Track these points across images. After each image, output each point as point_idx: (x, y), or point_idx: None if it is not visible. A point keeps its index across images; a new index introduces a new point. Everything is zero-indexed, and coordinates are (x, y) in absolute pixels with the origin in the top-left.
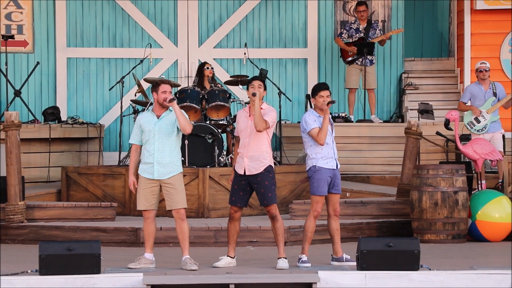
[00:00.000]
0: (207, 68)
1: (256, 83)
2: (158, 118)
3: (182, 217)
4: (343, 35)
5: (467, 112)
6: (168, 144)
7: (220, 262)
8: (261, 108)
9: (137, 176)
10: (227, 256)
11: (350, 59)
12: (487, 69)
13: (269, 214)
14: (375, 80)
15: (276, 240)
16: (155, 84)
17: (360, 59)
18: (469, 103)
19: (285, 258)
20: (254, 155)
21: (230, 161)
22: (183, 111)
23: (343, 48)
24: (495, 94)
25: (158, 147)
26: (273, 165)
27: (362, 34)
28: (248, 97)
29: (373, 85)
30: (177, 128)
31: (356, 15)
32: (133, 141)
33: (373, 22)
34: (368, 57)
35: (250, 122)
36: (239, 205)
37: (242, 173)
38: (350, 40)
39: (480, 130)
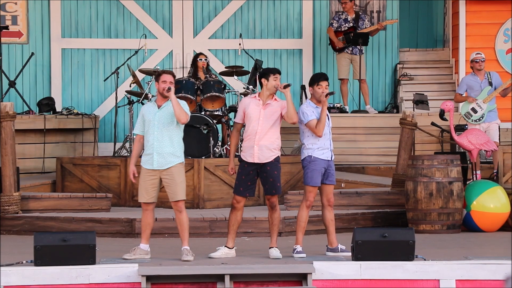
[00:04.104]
0: (200, 60)
1: (279, 76)
2: (158, 108)
3: (180, 209)
4: (333, 25)
5: (464, 103)
6: (167, 134)
7: (216, 253)
8: (276, 100)
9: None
10: (225, 246)
11: (339, 47)
12: (483, 60)
13: (270, 202)
14: (364, 70)
15: (270, 230)
16: (157, 74)
17: (350, 48)
18: (465, 95)
19: (277, 248)
20: (266, 144)
21: (225, 151)
22: (184, 101)
23: (331, 39)
24: (490, 84)
25: (157, 137)
26: (280, 156)
27: (351, 24)
28: (277, 88)
29: (362, 75)
30: None
31: (341, 6)
32: (136, 131)
33: (360, 13)
34: (357, 46)
35: (263, 111)
36: (248, 195)
37: (252, 161)
38: (340, 30)
39: (477, 120)
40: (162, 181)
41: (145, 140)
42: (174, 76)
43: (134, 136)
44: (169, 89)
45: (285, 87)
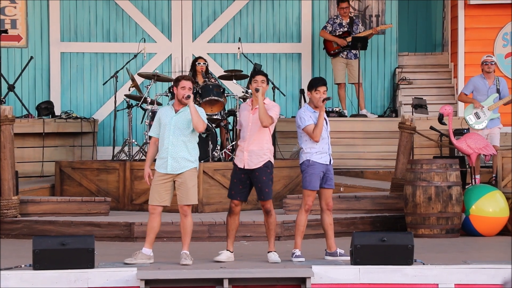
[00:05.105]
0: (199, 64)
1: (260, 78)
2: (175, 113)
3: (186, 213)
4: (327, 28)
5: (468, 106)
6: (182, 139)
7: (222, 256)
8: (264, 103)
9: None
10: (227, 250)
11: (334, 51)
12: (492, 63)
13: (264, 208)
14: (360, 74)
15: (268, 235)
16: (176, 80)
17: (345, 53)
18: (470, 96)
19: (276, 252)
20: (254, 150)
21: (224, 155)
22: (201, 109)
23: (329, 40)
24: (498, 91)
25: (172, 141)
26: (272, 161)
27: (346, 29)
28: (251, 92)
29: (356, 79)
30: None
31: (338, 11)
32: (152, 134)
33: (354, 18)
34: (352, 51)
35: (252, 116)
36: (239, 199)
37: (242, 167)
38: (334, 34)
39: (479, 126)
40: (175, 183)
41: (159, 144)
42: (193, 82)
43: (148, 139)
44: (188, 96)
45: (256, 90)
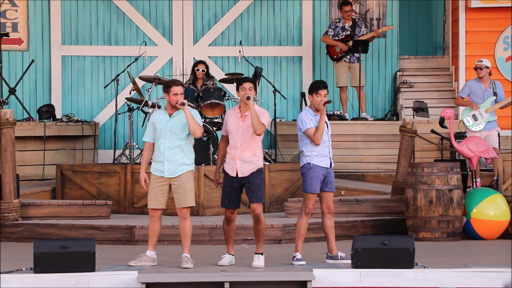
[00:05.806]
0: (198, 69)
1: (247, 85)
2: (170, 117)
3: (184, 216)
4: (329, 33)
5: (466, 108)
6: (178, 143)
7: (224, 261)
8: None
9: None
10: (228, 254)
11: (337, 56)
12: (482, 67)
13: (254, 214)
14: (363, 78)
15: (256, 239)
16: (167, 86)
17: (348, 56)
18: (466, 99)
19: (262, 254)
20: (247, 157)
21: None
22: (195, 111)
23: (332, 45)
24: (495, 94)
25: (168, 145)
26: (263, 166)
27: (348, 32)
28: (240, 99)
29: (359, 82)
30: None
31: (341, 14)
32: (146, 139)
33: (357, 20)
34: (355, 54)
35: (242, 124)
36: (233, 207)
37: (234, 175)
38: (337, 38)
39: (476, 128)
40: (171, 187)
41: (155, 148)
42: (183, 86)
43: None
44: (183, 103)
45: (247, 98)
